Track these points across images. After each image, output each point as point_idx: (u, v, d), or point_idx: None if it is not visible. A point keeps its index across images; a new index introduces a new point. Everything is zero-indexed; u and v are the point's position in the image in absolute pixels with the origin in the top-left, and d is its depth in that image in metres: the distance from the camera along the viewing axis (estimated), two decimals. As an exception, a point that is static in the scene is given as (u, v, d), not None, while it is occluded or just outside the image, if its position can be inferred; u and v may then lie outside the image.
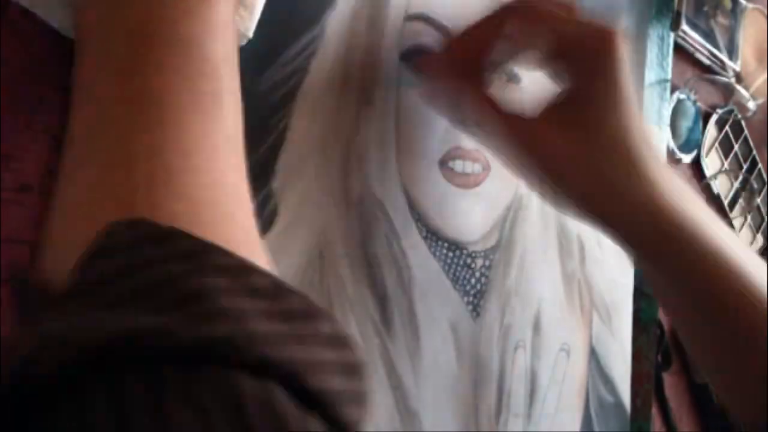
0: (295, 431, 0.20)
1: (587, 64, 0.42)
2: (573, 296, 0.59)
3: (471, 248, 0.51)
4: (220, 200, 0.26)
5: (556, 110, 0.43)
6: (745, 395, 0.44)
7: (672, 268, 0.44)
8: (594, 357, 0.60)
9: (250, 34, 0.38)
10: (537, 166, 0.43)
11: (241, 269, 0.23)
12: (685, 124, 0.79)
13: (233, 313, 0.21)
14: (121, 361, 0.20)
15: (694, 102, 0.79)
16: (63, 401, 0.19)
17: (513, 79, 0.54)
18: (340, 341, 0.24)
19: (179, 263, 0.22)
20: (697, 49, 0.78)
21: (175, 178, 0.25)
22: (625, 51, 0.42)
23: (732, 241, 0.45)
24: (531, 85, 0.55)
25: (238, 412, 0.19)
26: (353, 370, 0.24)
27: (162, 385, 0.19)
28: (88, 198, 0.25)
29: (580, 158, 0.42)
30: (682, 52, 0.77)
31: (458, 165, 0.50)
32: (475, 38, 0.44)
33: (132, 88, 0.27)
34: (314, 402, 0.22)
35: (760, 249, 0.90)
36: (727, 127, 0.84)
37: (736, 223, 0.86)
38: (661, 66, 0.70)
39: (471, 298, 0.51)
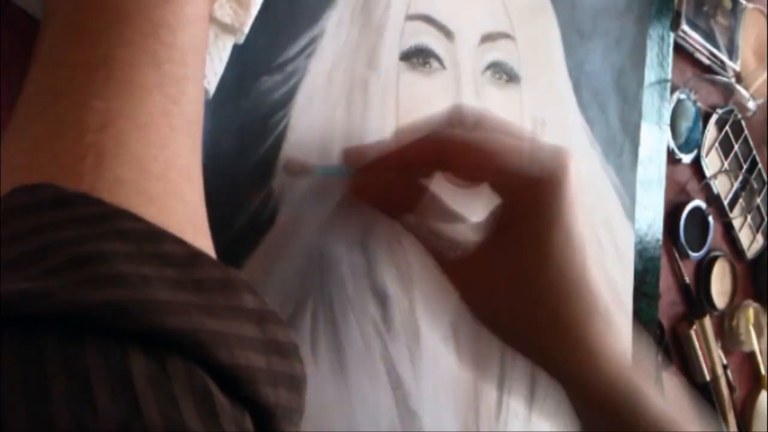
0: (184, 409, 0.18)
1: (527, 206, 0.38)
2: (573, 296, 0.59)
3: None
4: (170, 176, 0.25)
5: (490, 249, 0.39)
6: None
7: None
8: (594, 357, 0.60)
9: (246, 30, 0.38)
10: (470, 309, 0.41)
11: (150, 235, 0.21)
12: (685, 124, 0.79)
13: (129, 278, 0.19)
14: None
15: (694, 102, 0.79)
16: None
17: (513, 78, 0.54)
18: (266, 317, 0.22)
19: (78, 228, 0.20)
20: (697, 49, 0.78)
21: (125, 148, 0.24)
22: (570, 192, 0.37)
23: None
24: (531, 84, 0.55)
25: (124, 386, 0.18)
26: (280, 348, 0.22)
27: (40, 352, 0.18)
28: (33, 158, 0.24)
29: (514, 311, 0.39)
30: (682, 52, 0.77)
31: (458, 165, 0.50)
32: (414, 156, 0.40)
33: (95, 56, 0.26)
34: (227, 378, 0.20)
35: (760, 249, 0.90)
36: (727, 127, 0.84)
37: (736, 223, 0.86)
38: (661, 66, 0.70)
39: (471, 298, 0.51)
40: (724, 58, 0.81)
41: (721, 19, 0.82)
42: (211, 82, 0.37)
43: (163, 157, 0.25)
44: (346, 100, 0.44)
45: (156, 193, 0.24)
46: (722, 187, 0.84)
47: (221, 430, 0.19)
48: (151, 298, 0.19)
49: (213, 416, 0.19)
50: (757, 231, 0.90)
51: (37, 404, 0.17)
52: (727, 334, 0.86)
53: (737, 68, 0.84)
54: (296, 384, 0.22)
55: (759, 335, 0.87)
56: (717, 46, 0.80)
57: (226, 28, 0.37)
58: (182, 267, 0.21)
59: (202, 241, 0.25)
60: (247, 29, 0.38)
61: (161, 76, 0.27)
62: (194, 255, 0.22)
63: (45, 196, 0.21)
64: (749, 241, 0.89)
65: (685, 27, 0.75)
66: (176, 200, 0.25)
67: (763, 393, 0.88)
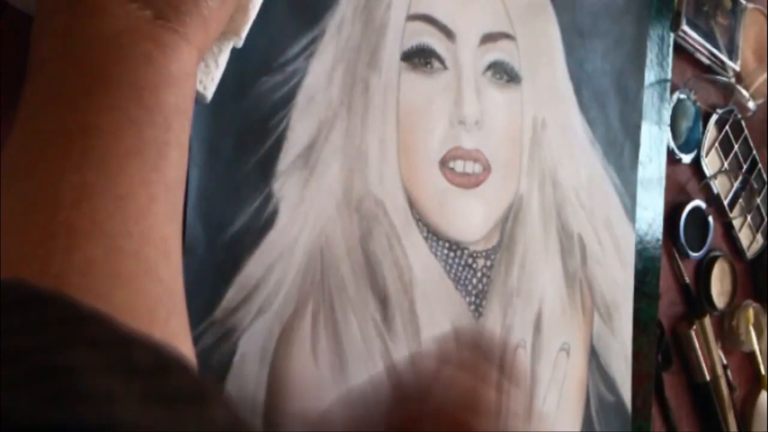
0: None
1: None
2: (575, 296, 0.59)
3: (472, 248, 0.51)
4: (145, 252, 0.25)
5: None
6: None
7: None
8: (595, 356, 0.60)
9: (244, 34, 0.37)
10: None
11: (121, 342, 0.21)
12: (685, 124, 0.79)
13: (97, 394, 0.19)
14: None
15: (694, 102, 0.79)
16: None
17: (514, 79, 0.54)
18: (237, 428, 0.22)
19: (47, 333, 0.20)
20: (697, 49, 0.78)
21: (98, 225, 0.24)
22: None
23: None
24: (532, 84, 0.55)
25: None
26: None
27: None
28: (6, 237, 0.24)
29: None
30: (682, 52, 0.77)
31: (459, 165, 0.50)
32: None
33: (74, 123, 0.25)
34: None
35: (760, 249, 0.90)
36: (727, 127, 0.84)
37: (736, 223, 0.86)
38: (661, 66, 0.70)
39: (473, 299, 0.51)
40: (724, 58, 0.81)
41: (721, 19, 0.82)
42: (208, 88, 0.37)
43: (138, 231, 0.25)
44: (347, 100, 0.44)
45: (128, 272, 0.24)
46: (722, 187, 0.84)
47: None
48: (116, 418, 0.19)
49: None
50: (757, 231, 0.90)
51: None
52: (727, 334, 0.86)
53: (737, 68, 0.83)
54: None
55: (759, 335, 0.87)
56: (717, 46, 0.80)
57: (224, 34, 0.37)
58: (152, 377, 0.20)
59: (176, 321, 0.25)
60: (245, 33, 0.38)
61: (141, 142, 0.26)
62: (165, 363, 0.21)
63: (17, 296, 0.21)
64: (749, 241, 0.89)
65: (685, 27, 0.75)
66: (150, 279, 0.25)
67: (763, 393, 0.88)
